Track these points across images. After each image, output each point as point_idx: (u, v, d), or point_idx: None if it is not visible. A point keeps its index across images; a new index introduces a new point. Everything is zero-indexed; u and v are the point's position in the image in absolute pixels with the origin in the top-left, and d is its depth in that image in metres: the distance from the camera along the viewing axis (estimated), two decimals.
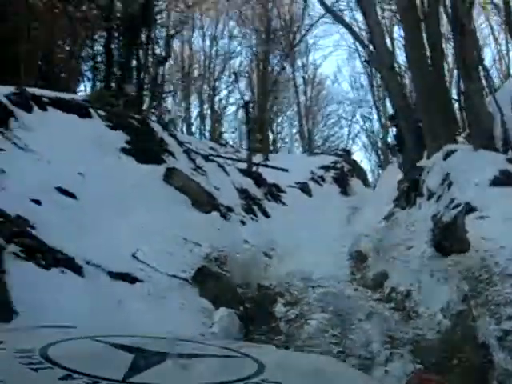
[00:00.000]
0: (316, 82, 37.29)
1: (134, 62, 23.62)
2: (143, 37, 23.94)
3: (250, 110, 24.35)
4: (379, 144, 35.30)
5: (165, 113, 28.88)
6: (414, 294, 7.91)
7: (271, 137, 35.47)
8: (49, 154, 9.37)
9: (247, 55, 33.04)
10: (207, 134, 33.17)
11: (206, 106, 34.43)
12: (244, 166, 19.13)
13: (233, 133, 36.33)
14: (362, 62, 20.67)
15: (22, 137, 9.73)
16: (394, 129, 15.55)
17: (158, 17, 25.79)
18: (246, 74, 32.78)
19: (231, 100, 34.51)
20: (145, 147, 12.28)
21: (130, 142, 12.01)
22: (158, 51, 25.54)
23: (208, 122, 34.47)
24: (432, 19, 12.23)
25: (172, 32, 27.32)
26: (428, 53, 12.25)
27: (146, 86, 24.31)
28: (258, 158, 22.31)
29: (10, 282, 4.97)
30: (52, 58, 21.33)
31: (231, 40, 33.23)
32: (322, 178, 23.76)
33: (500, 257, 6.55)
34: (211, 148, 22.15)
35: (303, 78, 35.84)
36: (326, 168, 24.88)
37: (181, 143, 15.32)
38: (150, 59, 24.77)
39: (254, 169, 19.14)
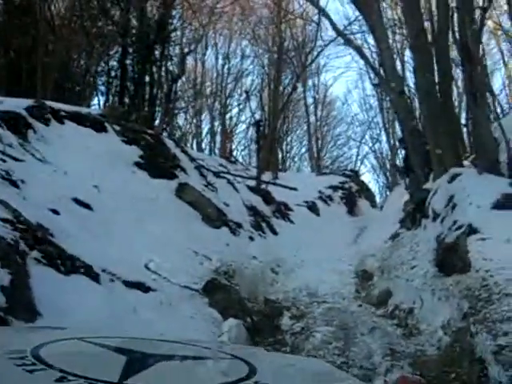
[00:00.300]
0: (326, 102, 37.69)
1: (148, 78, 24.05)
2: (157, 54, 24.38)
3: (261, 128, 24.68)
4: (387, 166, 35.51)
5: (176, 129, 29.28)
6: (417, 311, 8.17)
7: (281, 155, 35.82)
8: (65, 166, 9.71)
9: (259, 74, 33.57)
10: (217, 150, 33.54)
11: (216, 123, 34.87)
12: (253, 183, 19.40)
13: (243, 150, 36.74)
14: (372, 85, 20.89)
15: (40, 149, 10.09)
16: (403, 151, 15.85)
17: (173, 34, 26.23)
18: (258, 93, 33.21)
19: (242, 118, 34.99)
20: (158, 162, 12.62)
21: (143, 157, 12.35)
22: (171, 68, 25.94)
23: (218, 138, 34.91)
24: (441, 45, 12.51)
25: (186, 50, 27.77)
26: (437, 78, 12.52)
27: (158, 102, 24.72)
28: (267, 176, 22.58)
29: (33, 285, 5.27)
30: (68, 71, 21.77)
31: (243, 59, 33.77)
32: (330, 198, 23.97)
33: (499, 277, 6.77)
34: (221, 165, 22.41)
35: (314, 98, 36.26)
36: (335, 188, 25.10)
37: (193, 159, 15.64)
38: (164, 76, 25.18)
39: (263, 186, 19.41)
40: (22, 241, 5.90)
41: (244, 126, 35.11)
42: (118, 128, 13.18)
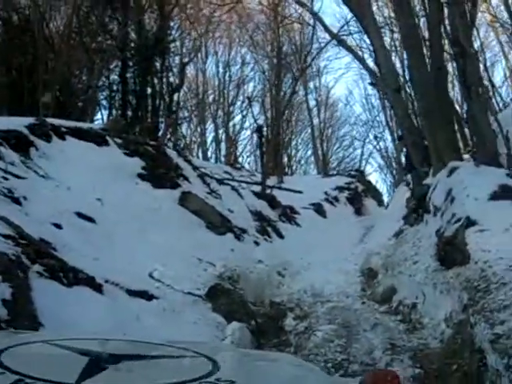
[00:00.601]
0: (329, 103, 37.77)
1: (149, 90, 24.26)
2: (157, 65, 24.60)
3: (264, 133, 24.80)
4: (393, 164, 35.52)
5: (181, 139, 29.44)
6: (420, 306, 8.24)
7: (286, 159, 35.96)
8: (68, 181, 9.86)
9: (260, 80, 33.75)
10: (222, 158, 33.71)
11: (220, 131, 35.05)
12: (258, 188, 19.49)
13: (248, 157, 36.89)
14: (369, 84, 20.99)
15: (43, 165, 10.25)
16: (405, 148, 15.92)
17: (172, 45, 26.43)
18: (259, 99, 33.37)
19: (246, 124, 35.16)
20: (160, 173, 12.75)
21: (145, 168, 12.49)
22: (172, 79, 26.14)
23: (223, 146, 35.09)
24: (434, 39, 12.59)
25: (186, 60, 27.98)
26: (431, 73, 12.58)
27: (161, 113, 24.91)
28: (272, 180, 22.68)
29: (35, 297, 5.39)
30: (69, 88, 21.98)
31: (244, 66, 33.97)
32: (336, 199, 23.98)
33: (498, 267, 6.82)
34: (226, 172, 22.52)
35: (316, 100, 36.36)
36: (340, 189, 25.12)
37: (195, 168, 15.77)
38: (165, 87, 25.37)
39: (268, 191, 19.49)
40: (24, 255, 6.05)
41: (248, 133, 35.31)
42: (119, 141, 13.33)
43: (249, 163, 35.56)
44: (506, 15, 22.29)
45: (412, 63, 12.83)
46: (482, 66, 17.33)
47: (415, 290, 8.70)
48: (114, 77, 24.54)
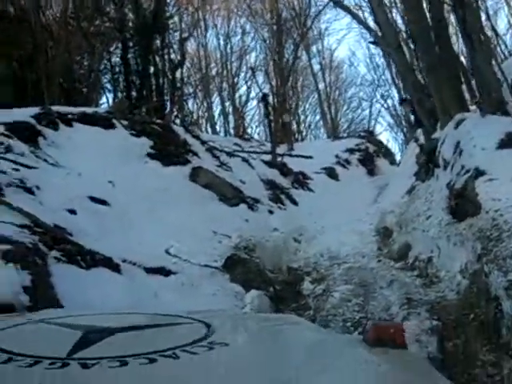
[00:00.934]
0: (333, 66, 37.49)
1: (152, 69, 24.23)
2: (158, 43, 24.53)
3: (269, 102, 24.76)
4: (403, 122, 35.32)
5: (188, 115, 29.46)
6: (435, 259, 8.31)
7: (296, 126, 35.88)
8: (78, 167, 9.97)
9: (262, 49, 33.54)
10: (232, 130, 33.70)
11: (227, 104, 34.97)
12: (269, 158, 19.52)
13: (257, 127, 36.84)
14: (369, 43, 20.80)
15: (52, 154, 10.37)
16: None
17: (170, 22, 26.31)
18: (263, 68, 33.22)
19: (252, 95, 35.04)
20: (169, 150, 12.82)
21: (154, 147, 12.56)
22: (173, 56, 26.07)
23: (231, 118, 35.05)
24: None
25: (185, 35, 27.86)
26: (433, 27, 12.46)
27: (165, 91, 24.91)
28: (282, 148, 22.68)
29: (55, 282, 5.53)
30: (72, 74, 22.01)
31: (244, 36, 33.75)
32: (348, 161, 23.94)
33: (508, 215, 6.85)
34: (236, 144, 22.53)
35: (320, 64, 36.10)
36: (351, 151, 25.06)
37: (204, 142, 15.82)
38: (167, 64, 25.33)
39: (279, 159, 19.52)
40: (41, 243, 6.18)
41: (254, 103, 35.20)
42: (125, 122, 13.40)
43: (258, 133, 35.57)
44: None
45: (411, 18, 12.72)
46: (484, 14, 17.13)
47: (430, 244, 8.76)
48: (116, 59, 24.56)
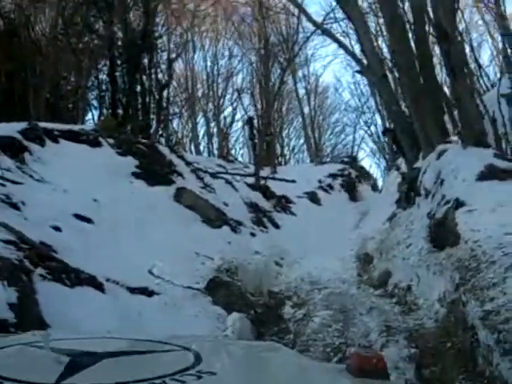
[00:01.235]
0: (319, 91, 37.86)
1: (139, 88, 24.36)
2: (145, 62, 24.70)
3: (255, 125, 24.95)
4: (386, 148, 35.67)
5: (173, 134, 29.57)
6: (414, 287, 8.45)
7: (279, 149, 36.11)
8: (64, 183, 10.01)
9: (248, 72, 33.86)
10: (215, 151, 33.84)
11: (212, 125, 35.15)
12: (252, 180, 19.65)
13: (241, 149, 37.04)
14: (355, 72, 21.13)
15: (38, 170, 10.41)
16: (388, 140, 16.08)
17: (159, 42, 26.53)
18: (249, 91, 33.50)
19: (237, 116, 35.29)
20: (154, 170, 12.90)
21: (139, 167, 12.63)
22: (160, 75, 26.24)
23: (215, 139, 35.20)
24: (418, 26, 12.73)
25: (173, 55, 28.07)
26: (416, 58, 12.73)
27: (151, 110, 25.03)
28: (265, 171, 22.83)
29: (40, 300, 5.57)
30: (59, 90, 22.08)
31: (232, 58, 34.06)
32: (331, 186, 24.12)
33: (487, 246, 7.01)
34: (219, 165, 22.65)
35: (305, 88, 36.44)
36: (334, 176, 25.25)
37: (188, 163, 15.92)
38: (154, 84, 25.48)
39: (262, 182, 19.65)
40: (27, 259, 6.22)
41: (239, 125, 35.45)
42: (112, 141, 13.47)
43: (242, 155, 35.78)
44: None
45: (396, 49, 12.99)
46: (468, 47, 17.53)
47: (409, 272, 8.91)
48: (103, 76, 24.68)
